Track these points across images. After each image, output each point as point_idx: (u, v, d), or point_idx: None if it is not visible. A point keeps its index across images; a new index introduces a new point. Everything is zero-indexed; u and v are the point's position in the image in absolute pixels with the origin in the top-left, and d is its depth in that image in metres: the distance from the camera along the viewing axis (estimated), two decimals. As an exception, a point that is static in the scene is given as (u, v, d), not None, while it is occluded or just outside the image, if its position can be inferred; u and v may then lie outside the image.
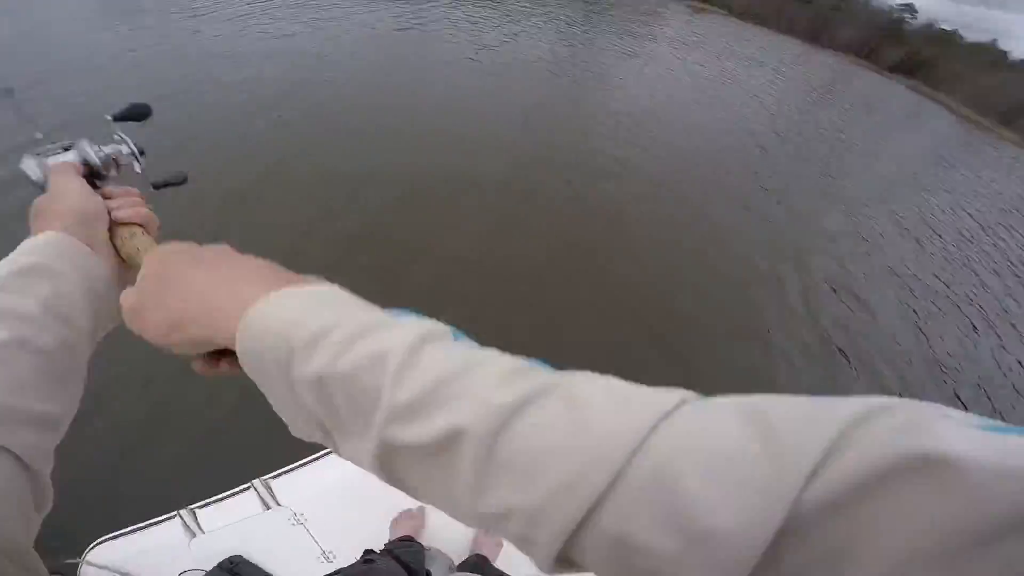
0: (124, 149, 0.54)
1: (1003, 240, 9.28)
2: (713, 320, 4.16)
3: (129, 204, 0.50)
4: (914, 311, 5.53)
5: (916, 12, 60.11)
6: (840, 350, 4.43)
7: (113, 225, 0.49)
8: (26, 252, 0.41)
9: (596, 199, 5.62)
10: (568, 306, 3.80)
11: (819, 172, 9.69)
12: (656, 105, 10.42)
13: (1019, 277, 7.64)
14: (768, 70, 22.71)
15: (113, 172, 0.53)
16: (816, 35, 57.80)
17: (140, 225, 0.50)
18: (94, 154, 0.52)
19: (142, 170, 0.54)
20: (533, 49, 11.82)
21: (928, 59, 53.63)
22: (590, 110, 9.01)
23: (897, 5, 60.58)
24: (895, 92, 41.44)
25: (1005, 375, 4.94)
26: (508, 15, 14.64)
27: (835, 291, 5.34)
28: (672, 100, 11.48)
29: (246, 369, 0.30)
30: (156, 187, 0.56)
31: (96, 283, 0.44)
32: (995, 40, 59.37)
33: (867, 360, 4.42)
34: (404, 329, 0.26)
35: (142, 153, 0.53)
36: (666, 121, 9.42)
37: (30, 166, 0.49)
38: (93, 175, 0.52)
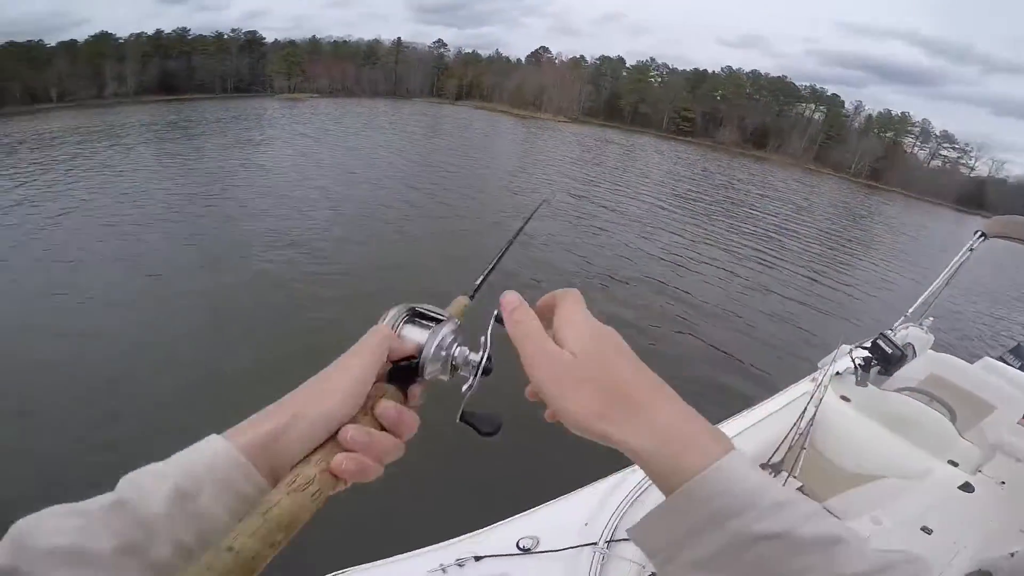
0: (474, 358, 0.43)
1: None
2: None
3: (375, 448, 0.38)
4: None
5: (446, 45, 79.82)
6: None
7: (317, 450, 0.36)
8: (187, 471, 0.32)
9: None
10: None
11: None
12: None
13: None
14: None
15: (437, 376, 0.43)
16: (394, 90, 70.20)
17: (337, 478, 0.36)
18: (442, 345, 0.42)
19: (466, 392, 0.42)
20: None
21: (472, 81, 72.60)
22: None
23: (432, 44, 78.68)
24: (470, 111, 55.71)
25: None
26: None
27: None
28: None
29: (667, 493, 0.32)
30: (461, 419, 0.42)
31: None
32: (497, 50, 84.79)
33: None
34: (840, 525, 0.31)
35: (487, 373, 0.43)
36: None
37: (391, 318, 0.44)
38: (408, 369, 0.42)
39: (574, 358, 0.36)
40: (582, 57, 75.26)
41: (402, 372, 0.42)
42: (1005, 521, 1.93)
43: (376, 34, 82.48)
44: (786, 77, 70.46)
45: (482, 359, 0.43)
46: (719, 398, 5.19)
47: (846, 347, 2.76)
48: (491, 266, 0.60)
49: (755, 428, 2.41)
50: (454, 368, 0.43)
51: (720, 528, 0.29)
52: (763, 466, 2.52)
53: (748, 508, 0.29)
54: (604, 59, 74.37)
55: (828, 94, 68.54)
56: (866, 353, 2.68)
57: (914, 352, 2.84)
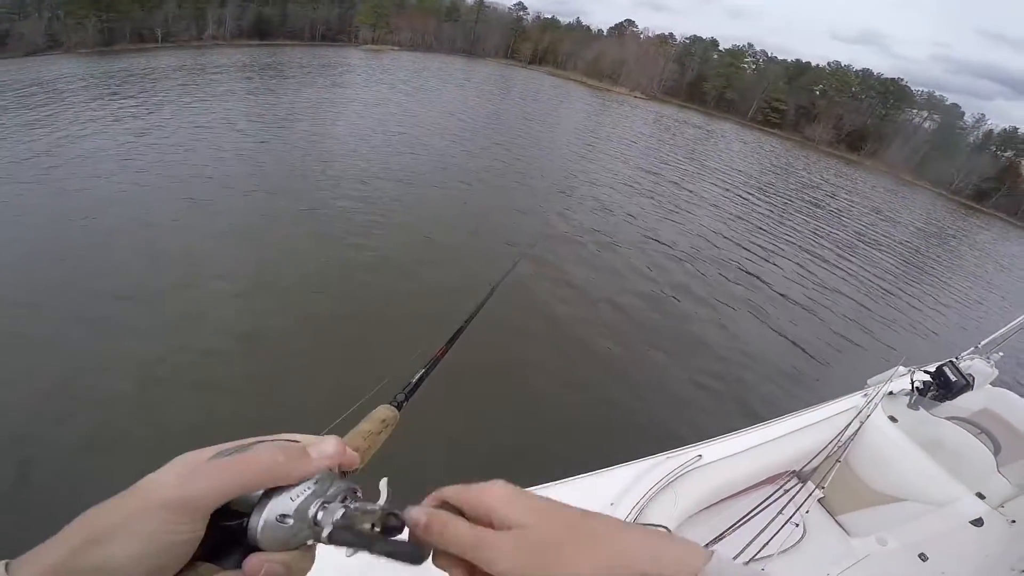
0: (370, 513, 0.33)
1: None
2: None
3: None
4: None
5: (527, 8, 77.66)
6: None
7: None
8: None
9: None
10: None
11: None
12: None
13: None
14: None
15: (296, 543, 0.32)
16: (471, 49, 69.64)
17: None
18: (287, 509, 0.32)
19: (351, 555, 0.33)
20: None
21: (548, 47, 70.52)
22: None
23: (512, 6, 76.92)
24: (542, 77, 54.64)
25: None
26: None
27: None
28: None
29: None
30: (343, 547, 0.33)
31: None
32: (578, 18, 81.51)
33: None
34: None
35: (390, 532, 0.33)
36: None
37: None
38: (236, 531, 0.32)
39: (537, 526, 0.34)
40: (671, 35, 70.69)
41: (228, 536, 0.32)
42: (1002, 559, 1.96)
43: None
44: (902, 80, 62.80)
45: (377, 519, 0.33)
46: (754, 390, 5.38)
47: (903, 369, 2.77)
48: (424, 370, 0.52)
49: (796, 435, 2.44)
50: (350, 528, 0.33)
51: None
52: (793, 473, 2.63)
53: None
54: (695, 39, 69.43)
55: (947, 103, 60.70)
56: (927, 377, 2.68)
57: (973, 384, 2.79)
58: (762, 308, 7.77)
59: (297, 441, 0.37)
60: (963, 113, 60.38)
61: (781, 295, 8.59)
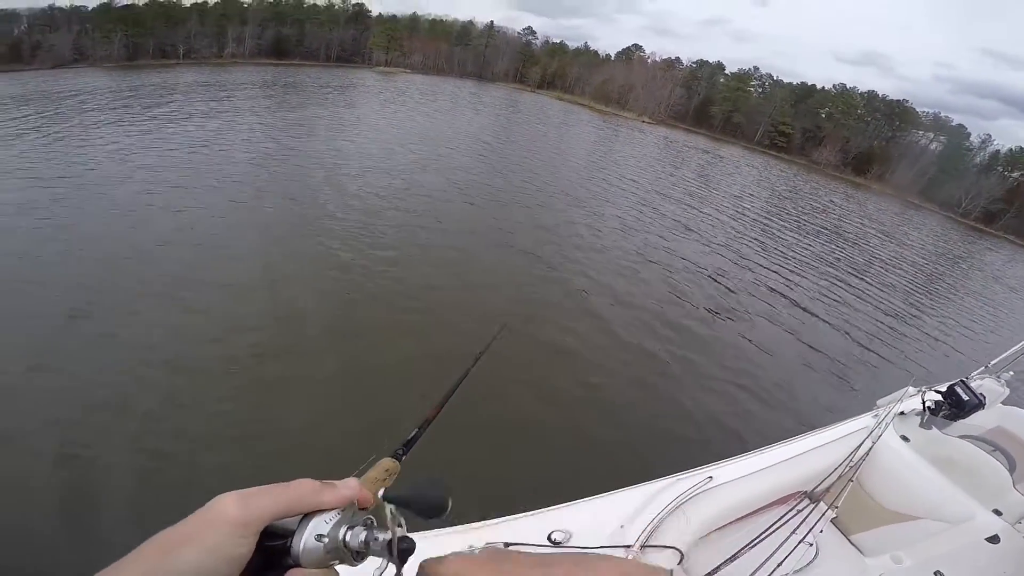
0: (382, 538, 0.40)
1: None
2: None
3: None
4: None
5: (535, 33, 79.70)
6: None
7: None
8: None
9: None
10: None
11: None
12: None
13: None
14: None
15: (330, 564, 0.39)
16: (481, 72, 71.38)
17: None
18: (321, 532, 0.39)
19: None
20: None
21: (556, 71, 72.10)
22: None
23: (522, 31, 79.03)
24: (549, 102, 55.66)
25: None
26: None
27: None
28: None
29: None
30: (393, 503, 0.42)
31: None
32: (586, 43, 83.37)
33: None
34: None
35: (404, 556, 0.40)
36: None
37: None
38: (284, 552, 0.38)
39: None
40: (677, 59, 72.14)
41: (271, 555, 0.38)
42: None
43: (471, 15, 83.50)
44: (907, 101, 63.25)
45: (393, 542, 0.40)
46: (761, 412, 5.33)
47: (913, 389, 2.77)
48: (418, 429, 0.56)
49: (806, 456, 2.43)
50: (358, 554, 0.40)
51: None
52: (805, 494, 2.62)
53: None
54: (701, 63, 70.64)
55: (952, 124, 60.90)
56: (938, 397, 2.67)
57: (985, 403, 2.78)
58: (767, 331, 7.77)
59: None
60: (969, 134, 60.45)
61: (789, 315, 8.63)
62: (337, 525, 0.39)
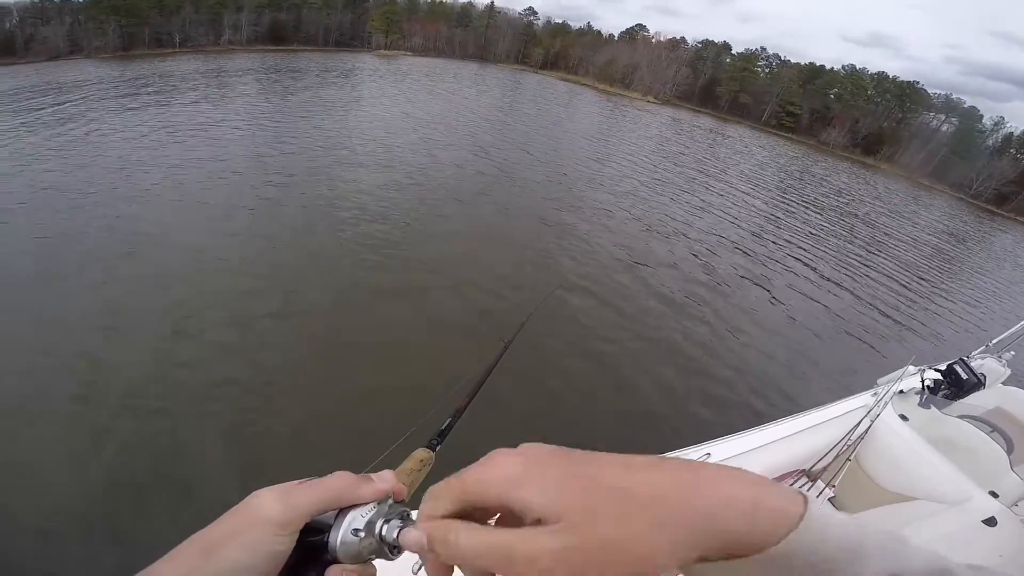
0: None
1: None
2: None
3: None
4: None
5: (537, 13, 77.92)
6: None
7: None
8: None
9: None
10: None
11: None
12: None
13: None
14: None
15: (368, 558, 0.38)
16: (483, 54, 70.24)
17: None
18: (357, 526, 0.37)
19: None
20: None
21: (560, 52, 70.76)
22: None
23: (523, 11, 77.34)
24: (553, 82, 54.70)
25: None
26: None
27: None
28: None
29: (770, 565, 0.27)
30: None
31: None
32: (589, 23, 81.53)
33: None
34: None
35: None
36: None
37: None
38: (322, 547, 0.37)
39: (578, 509, 0.27)
40: (682, 39, 70.46)
41: (310, 551, 0.37)
42: (1016, 559, 1.93)
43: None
44: (918, 83, 61.74)
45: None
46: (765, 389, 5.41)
47: (913, 368, 2.74)
48: (451, 419, 0.56)
49: (805, 434, 2.41)
50: (394, 548, 0.37)
51: None
52: (803, 472, 2.63)
53: (855, 557, 0.27)
54: (707, 43, 68.93)
55: (964, 106, 59.52)
56: (938, 376, 2.66)
57: (985, 382, 2.76)
58: (775, 309, 7.78)
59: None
60: (982, 116, 59.12)
61: (793, 291, 8.67)
62: (373, 519, 0.38)
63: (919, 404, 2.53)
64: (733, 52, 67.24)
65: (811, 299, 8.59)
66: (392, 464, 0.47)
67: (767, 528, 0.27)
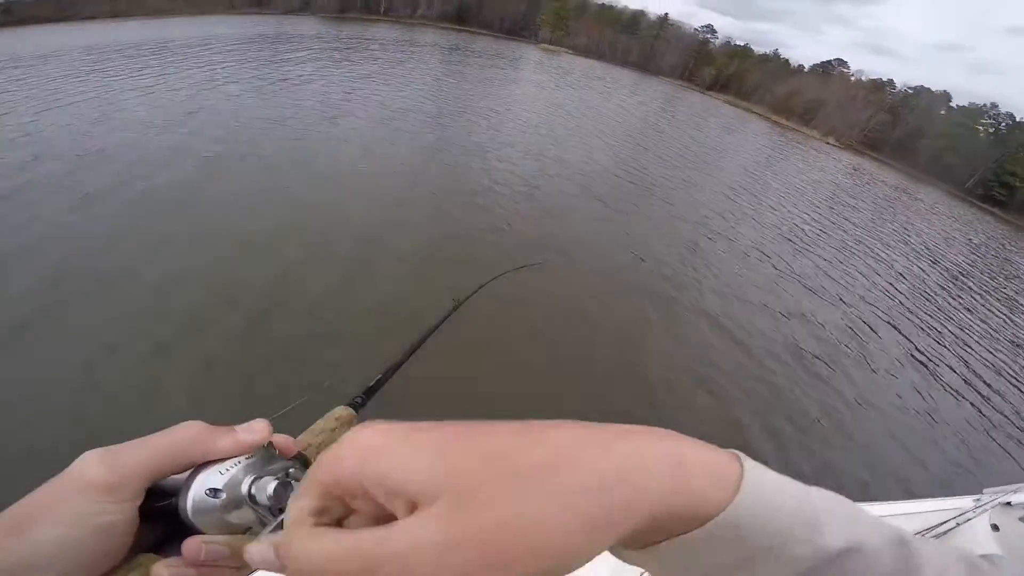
0: (271, 491, 0.30)
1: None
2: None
3: None
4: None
5: (716, 32, 73.23)
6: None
7: None
8: None
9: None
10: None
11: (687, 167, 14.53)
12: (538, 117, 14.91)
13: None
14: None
15: (239, 523, 0.30)
16: (645, 64, 67.88)
17: None
18: (219, 485, 0.30)
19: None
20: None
21: (733, 74, 65.73)
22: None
23: (700, 27, 73.24)
24: (719, 105, 50.75)
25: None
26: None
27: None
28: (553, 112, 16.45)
29: (706, 545, 0.23)
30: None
31: None
32: (776, 50, 74.54)
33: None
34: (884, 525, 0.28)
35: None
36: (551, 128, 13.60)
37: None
38: (173, 514, 0.29)
39: (455, 484, 0.20)
40: (889, 81, 61.35)
41: (167, 521, 0.29)
42: None
43: (644, 4, 79.25)
44: None
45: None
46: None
47: (1034, 485, 2.31)
48: (382, 375, 0.51)
49: (884, 519, 1.55)
50: (280, 512, 0.29)
51: (775, 557, 0.24)
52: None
53: (808, 524, 0.24)
54: (921, 89, 59.47)
55: None
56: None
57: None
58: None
59: None
60: None
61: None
62: (240, 474, 0.30)
63: (1020, 519, 2.16)
64: (952, 104, 57.03)
65: (962, 396, 6.77)
66: (309, 424, 0.40)
67: (701, 493, 0.23)
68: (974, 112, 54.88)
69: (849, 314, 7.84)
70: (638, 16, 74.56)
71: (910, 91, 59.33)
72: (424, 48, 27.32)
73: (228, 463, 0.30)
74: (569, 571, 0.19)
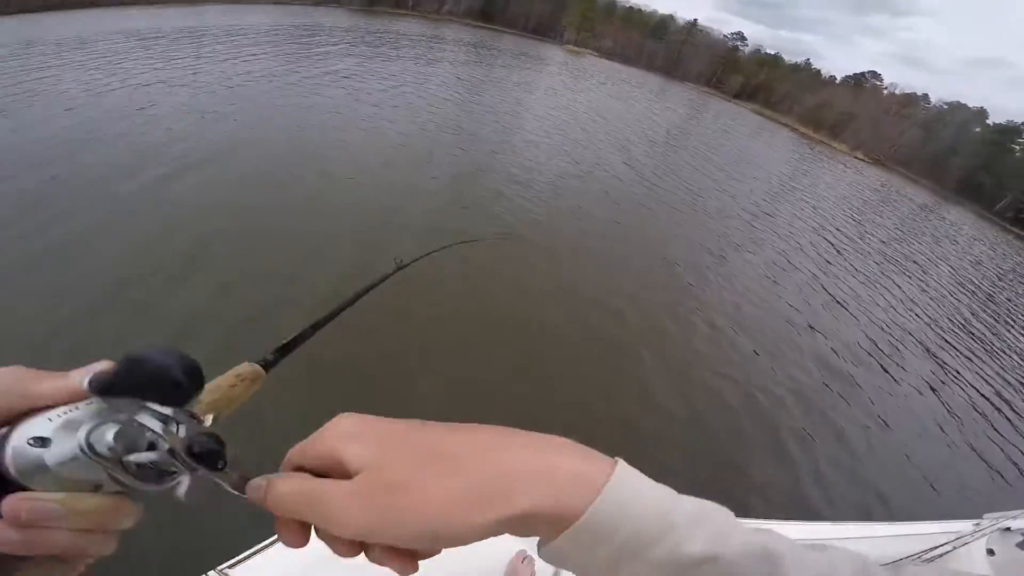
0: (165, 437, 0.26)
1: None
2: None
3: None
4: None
5: (746, 40, 71.97)
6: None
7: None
8: None
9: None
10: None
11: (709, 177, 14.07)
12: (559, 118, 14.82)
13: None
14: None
15: (83, 480, 0.25)
16: (670, 69, 67.06)
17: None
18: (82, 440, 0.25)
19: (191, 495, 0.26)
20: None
21: (762, 83, 64.57)
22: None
23: (729, 34, 72.11)
24: (745, 113, 49.82)
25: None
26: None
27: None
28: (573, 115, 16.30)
29: (571, 544, 0.27)
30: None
31: None
32: (808, 59, 73.08)
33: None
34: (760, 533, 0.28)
35: (208, 460, 0.26)
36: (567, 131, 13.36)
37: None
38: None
39: (384, 461, 0.27)
40: (924, 95, 59.79)
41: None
42: None
43: (674, 9, 78.07)
44: None
45: (180, 442, 0.25)
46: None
47: (1033, 510, 2.31)
48: (314, 327, 0.49)
49: (881, 540, 2.20)
50: (137, 468, 0.25)
51: (639, 559, 0.26)
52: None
53: (666, 530, 0.26)
54: (956, 105, 57.77)
55: None
56: (1063, 527, 2.08)
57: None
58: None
59: None
60: None
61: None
62: (76, 420, 0.25)
63: (1017, 545, 2.14)
64: (988, 122, 55.27)
65: (985, 416, 6.45)
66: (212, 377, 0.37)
67: (565, 499, 0.26)
68: (1010, 130, 53.16)
69: (870, 330, 7.59)
70: (666, 20, 73.74)
71: (944, 106, 57.87)
72: (448, 44, 27.40)
73: (61, 408, 0.26)
74: (459, 539, 0.26)
